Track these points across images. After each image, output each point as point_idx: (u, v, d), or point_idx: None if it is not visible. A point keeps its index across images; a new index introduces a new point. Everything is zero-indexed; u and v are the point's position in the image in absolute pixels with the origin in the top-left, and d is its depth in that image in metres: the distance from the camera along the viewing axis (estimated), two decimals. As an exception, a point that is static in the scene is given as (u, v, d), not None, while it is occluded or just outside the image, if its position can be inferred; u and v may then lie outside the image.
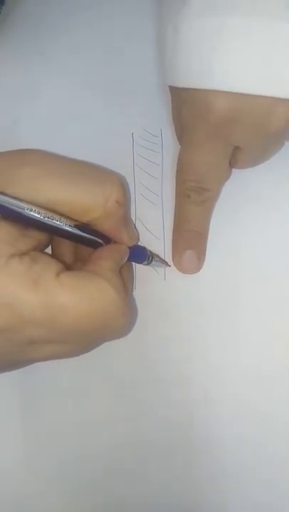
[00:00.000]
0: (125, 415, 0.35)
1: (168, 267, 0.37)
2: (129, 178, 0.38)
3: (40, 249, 0.31)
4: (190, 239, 0.36)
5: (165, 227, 0.37)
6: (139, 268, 0.37)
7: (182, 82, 0.33)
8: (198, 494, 0.34)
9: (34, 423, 0.35)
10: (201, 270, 0.37)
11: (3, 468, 0.34)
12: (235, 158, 0.35)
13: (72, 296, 0.28)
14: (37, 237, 0.30)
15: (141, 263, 0.36)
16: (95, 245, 0.32)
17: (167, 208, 0.38)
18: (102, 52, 0.41)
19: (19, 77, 0.40)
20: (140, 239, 0.37)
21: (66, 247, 0.34)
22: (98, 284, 0.29)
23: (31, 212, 0.29)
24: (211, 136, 0.33)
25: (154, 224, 0.37)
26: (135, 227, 0.37)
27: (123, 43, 0.41)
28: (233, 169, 0.37)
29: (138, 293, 0.36)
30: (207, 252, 0.37)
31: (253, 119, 0.32)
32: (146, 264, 0.36)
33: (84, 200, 0.30)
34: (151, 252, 0.36)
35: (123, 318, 0.30)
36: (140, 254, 0.35)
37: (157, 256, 0.36)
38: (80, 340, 0.30)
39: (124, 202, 0.32)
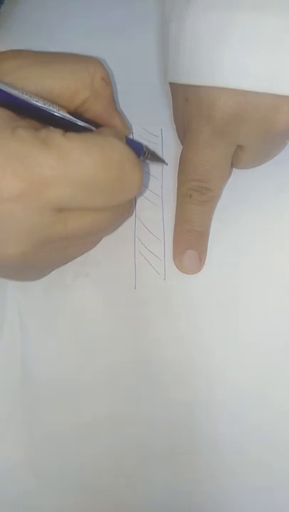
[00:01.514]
0: (126, 416, 0.34)
1: (168, 268, 0.36)
2: (130, 178, 0.38)
3: None
4: (191, 239, 0.36)
5: (165, 228, 0.37)
6: (139, 268, 0.36)
7: (187, 79, 0.33)
8: (201, 495, 0.34)
9: (34, 425, 0.34)
10: (201, 270, 0.36)
11: (3, 471, 0.34)
12: (238, 157, 0.35)
13: (83, 150, 0.27)
14: (32, 123, 0.30)
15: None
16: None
17: (168, 208, 0.37)
18: (101, 51, 0.40)
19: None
20: (140, 238, 0.37)
21: None
22: (107, 140, 0.28)
23: (24, 95, 0.29)
24: (216, 134, 0.33)
25: (154, 224, 0.37)
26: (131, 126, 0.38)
27: (122, 42, 0.41)
28: (236, 170, 0.37)
29: (138, 293, 0.36)
30: (207, 252, 0.37)
31: (259, 117, 0.32)
32: (143, 160, 0.35)
33: (71, 82, 0.31)
34: (147, 147, 0.36)
35: (138, 171, 0.29)
36: (136, 148, 0.35)
37: (154, 152, 0.36)
38: (100, 200, 0.29)
39: (109, 81, 0.32)
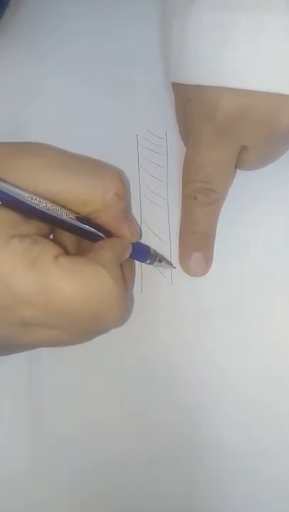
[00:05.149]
0: (131, 421, 0.34)
1: (174, 271, 0.36)
2: (134, 180, 0.38)
3: (41, 236, 0.30)
4: (197, 241, 0.36)
5: (171, 230, 0.37)
6: (145, 271, 0.36)
7: (189, 79, 0.33)
8: (200, 500, 0.34)
9: (40, 432, 0.34)
10: (207, 273, 0.36)
11: (11, 479, 0.34)
12: (242, 158, 0.35)
13: (68, 280, 0.27)
14: (38, 225, 0.30)
15: (144, 262, 0.35)
16: (96, 239, 0.32)
17: (173, 210, 0.37)
18: (104, 53, 0.40)
19: (21, 81, 0.40)
20: (146, 242, 0.36)
21: (68, 239, 0.33)
22: (96, 271, 0.28)
23: (32, 201, 0.29)
24: (219, 135, 0.33)
25: (160, 227, 0.37)
26: (141, 231, 0.37)
27: (126, 44, 0.40)
28: (240, 170, 0.37)
29: (145, 296, 0.36)
30: (214, 255, 0.36)
31: (262, 117, 0.31)
32: (150, 264, 0.35)
33: (83, 192, 0.30)
34: (155, 251, 0.35)
35: (118, 310, 0.30)
36: (143, 252, 0.35)
37: (162, 256, 0.36)
38: (73, 327, 0.30)
39: (124, 195, 0.32)
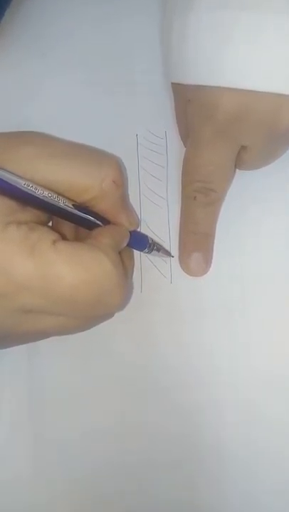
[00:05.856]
0: (129, 422, 0.34)
1: (174, 271, 0.36)
2: (134, 180, 0.38)
3: (38, 223, 0.30)
4: (197, 241, 0.36)
5: (171, 230, 0.37)
6: (145, 271, 0.36)
7: (189, 79, 0.33)
8: (205, 500, 0.34)
9: (40, 436, 0.34)
10: (207, 272, 0.36)
11: (12, 483, 0.34)
12: (242, 158, 0.35)
13: (67, 265, 0.27)
14: (36, 213, 0.30)
15: (142, 250, 0.35)
16: (93, 227, 0.32)
17: (173, 210, 0.37)
18: (104, 53, 0.40)
19: (21, 80, 0.40)
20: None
21: (66, 228, 0.33)
22: (96, 256, 0.28)
23: (28, 188, 0.29)
24: (219, 135, 0.33)
25: (159, 227, 0.37)
26: (140, 221, 0.37)
27: (126, 43, 0.40)
28: (240, 170, 0.37)
29: (144, 296, 0.36)
30: (214, 254, 0.36)
31: (262, 117, 0.31)
32: (148, 253, 0.35)
33: (80, 179, 0.30)
34: (153, 240, 0.35)
35: (119, 294, 0.30)
36: (141, 241, 0.35)
37: (160, 245, 0.36)
38: (74, 312, 0.30)
39: (121, 183, 0.32)
